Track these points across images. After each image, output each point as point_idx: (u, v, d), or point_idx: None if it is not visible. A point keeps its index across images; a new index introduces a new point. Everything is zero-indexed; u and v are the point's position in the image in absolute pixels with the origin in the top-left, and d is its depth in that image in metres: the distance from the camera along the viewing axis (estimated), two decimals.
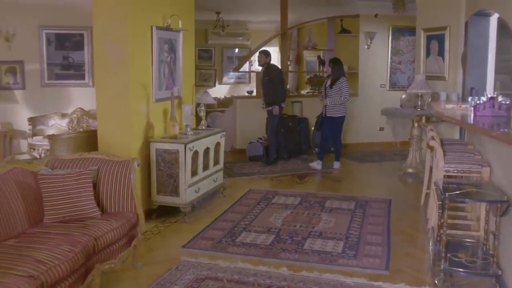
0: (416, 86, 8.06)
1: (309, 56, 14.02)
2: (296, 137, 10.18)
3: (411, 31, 10.30)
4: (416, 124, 8.33)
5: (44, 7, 9.12)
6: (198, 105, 7.06)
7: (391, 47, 11.62)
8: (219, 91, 14.80)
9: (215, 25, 13.32)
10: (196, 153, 6.21)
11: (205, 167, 6.59)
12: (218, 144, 6.94)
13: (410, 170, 8.52)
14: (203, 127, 6.87)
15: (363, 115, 11.27)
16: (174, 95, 6.36)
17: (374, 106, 10.82)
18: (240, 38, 15.03)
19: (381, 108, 9.20)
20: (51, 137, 6.68)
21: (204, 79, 14.74)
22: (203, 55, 14.84)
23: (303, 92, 12.58)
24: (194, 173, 6.23)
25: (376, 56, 11.48)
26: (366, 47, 11.39)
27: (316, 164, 9.01)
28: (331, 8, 11.66)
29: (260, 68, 9.79)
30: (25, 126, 9.13)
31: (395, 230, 5.75)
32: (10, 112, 9.36)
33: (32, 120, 9.10)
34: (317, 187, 7.85)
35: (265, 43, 11.18)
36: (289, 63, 12.03)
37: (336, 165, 9.11)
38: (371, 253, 5.04)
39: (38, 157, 8.09)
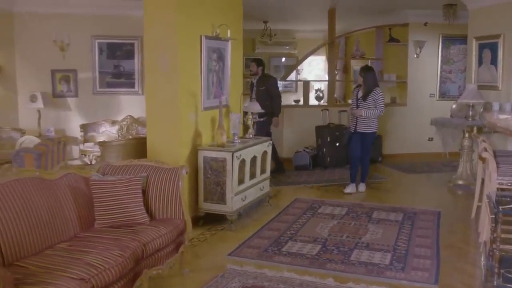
0: (468, 95, 7.87)
1: (357, 65, 13.87)
2: (343, 147, 10.10)
3: (463, 39, 10.10)
4: (467, 135, 8.14)
5: (97, 18, 9.40)
6: (245, 113, 7.11)
7: (441, 56, 11.39)
8: None
9: (262, 34, 13.40)
10: (243, 161, 6.24)
11: (252, 175, 6.62)
12: (265, 152, 6.96)
13: (460, 182, 8.31)
14: (250, 136, 6.90)
15: (411, 125, 11.10)
16: (222, 103, 6.42)
17: (423, 116, 10.62)
18: (287, 47, 15.06)
19: (430, 118, 9.02)
20: (102, 144, 6.84)
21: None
22: (251, 64, 14.93)
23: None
24: (241, 181, 6.26)
25: (425, 65, 11.29)
26: (415, 56, 11.21)
27: (351, 188, 8.03)
28: (379, 17, 11.55)
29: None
30: (77, 133, 9.40)
31: (444, 244, 5.61)
32: (63, 119, 9.66)
33: (83, 127, 9.35)
34: (364, 198, 7.75)
35: (312, 52, 11.18)
36: (336, 72, 11.96)
37: (362, 187, 8.10)
38: (419, 267, 4.94)
39: (89, 163, 8.30)
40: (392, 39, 11.82)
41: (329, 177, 9.23)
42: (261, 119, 8.52)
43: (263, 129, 8.55)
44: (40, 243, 3.82)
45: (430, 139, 10.84)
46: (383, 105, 7.69)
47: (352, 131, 7.90)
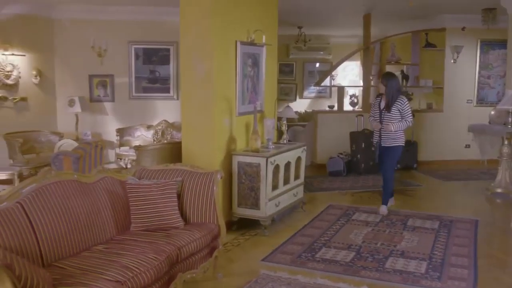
0: (507, 101, 7.69)
1: (392, 71, 13.73)
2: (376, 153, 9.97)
3: (502, 44, 9.90)
4: (506, 142, 7.95)
5: (133, 24, 9.56)
6: (279, 119, 7.10)
7: (480, 61, 11.18)
8: (300, 105, 14.80)
9: (296, 39, 13.37)
10: (277, 167, 6.24)
11: (286, 181, 6.60)
12: (299, 158, 6.94)
13: (499, 190, 8.12)
14: (285, 141, 6.89)
15: (448, 131, 10.92)
16: (257, 109, 6.43)
17: (460, 122, 10.46)
18: (321, 53, 14.99)
19: (467, 125, 8.85)
20: (137, 148, 6.92)
21: (285, 93, 14.82)
22: (285, 69, 14.93)
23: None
24: (275, 187, 6.25)
25: (463, 70, 11.09)
26: (452, 61, 11.03)
27: (383, 210, 7.08)
28: (416, 22, 11.41)
29: None
30: (113, 137, 9.55)
31: (482, 253, 5.49)
32: (100, 123, 9.84)
33: (119, 131, 9.49)
34: (399, 205, 7.64)
35: (347, 57, 11.11)
36: (371, 78, 11.85)
37: (383, 210, 7.05)
38: (456, 276, 4.84)
39: (124, 166, 8.41)
40: (428, 44, 11.64)
41: (363, 184, 9.14)
42: None
43: None
44: (78, 245, 3.89)
45: (467, 146, 10.65)
46: (411, 115, 6.88)
47: (375, 143, 7.10)
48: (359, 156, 9.89)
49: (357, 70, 15.02)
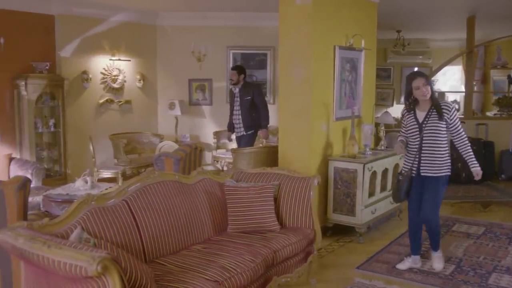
0: None
1: (497, 76, 13.08)
2: (480, 162, 9.48)
3: None
4: None
5: (232, 29, 9.77)
6: (377, 124, 6.96)
7: None
8: (397, 111, 14.42)
9: (395, 43, 13.07)
10: (374, 173, 6.12)
11: (383, 188, 6.45)
12: (397, 165, 6.76)
13: None
14: (382, 148, 6.74)
15: None
16: (355, 114, 6.34)
17: None
18: (421, 57, 14.55)
19: None
20: (234, 151, 7.05)
21: (382, 99, 14.52)
22: (382, 74, 14.62)
23: (489, 114, 11.75)
24: (371, 193, 6.13)
25: None
26: None
27: (405, 263, 5.24)
28: None
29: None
30: (210, 139, 9.79)
31: None
32: (198, 126, 10.13)
33: (216, 134, 9.71)
34: (504, 217, 7.22)
35: (448, 61, 10.71)
36: (474, 83, 11.35)
37: (437, 262, 5.18)
38: None
39: (221, 169, 8.60)
40: None
41: (464, 194, 8.73)
42: (249, 133, 7.86)
43: (249, 144, 7.84)
44: (177, 243, 4.02)
45: None
46: (462, 128, 4.98)
47: (413, 175, 5.00)
48: (459, 165, 9.43)
49: (459, 75, 14.45)
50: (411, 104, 4.97)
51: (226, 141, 9.60)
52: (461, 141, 4.94)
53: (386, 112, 7.31)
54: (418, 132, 4.90)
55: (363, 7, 6.92)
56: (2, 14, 7.46)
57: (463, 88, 11.74)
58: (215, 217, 4.48)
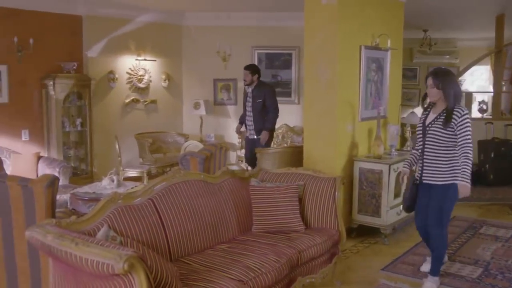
0: None
1: None
2: (508, 163, 9.36)
3: None
4: None
5: (257, 29, 9.77)
6: (403, 125, 6.90)
7: None
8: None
9: (421, 43, 12.93)
10: (400, 174, 6.05)
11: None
12: None
13: None
14: (408, 148, 6.67)
15: None
16: (380, 114, 6.29)
17: None
18: (447, 57, 14.34)
19: None
20: (258, 151, 7.05)
21: (407, 99, 14.36)
22: (408, 74, 14.46)
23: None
24: (396, 195, 6.07)
25: None
26: None
27: (427, 265, 5.05)
28: None
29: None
30: (235, 139, 9.81)
31: None
32: (223, 126, 10.16)
33: (241, 134, 9.72)
34: None
35: (476, 61, 10.55)
36: (503, 83, 11.15)
37: (429, 285, 4.66)
38: None
39: (245, 168, 8.60)
40: None
41: (492, 196, 8.60)
42: (259, 137, 7.51)
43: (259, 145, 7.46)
44: (202, 243, 4.04)
45: None
46: (469, 139, 4.36)
47: (416, 181, 4.75)
48: (487, 166, 9.32)
49: (487, 75, 14.22)
50: (427, 103, 4.76)
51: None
52: (462, 151, 4.39)
53: (412, 112, 7.24)
54: (422, 136, 4.64)
55: (390, 7, 6.87)
56: (31, 16, 7.59)
57: (491, 88, 11.55)
58: (239, 216, 4.48)
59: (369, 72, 6.37)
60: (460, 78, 11.78)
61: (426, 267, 5.07)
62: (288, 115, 9.77)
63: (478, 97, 11.91)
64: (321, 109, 5.99)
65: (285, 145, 8.45)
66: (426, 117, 4.66)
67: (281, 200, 4.47)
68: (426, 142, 4.56)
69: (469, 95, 11.09)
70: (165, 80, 9.72)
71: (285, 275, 3.85)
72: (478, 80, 14.33)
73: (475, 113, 11.17)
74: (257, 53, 9.99)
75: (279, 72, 10.00)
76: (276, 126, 9.62)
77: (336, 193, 4.62)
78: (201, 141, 9.03)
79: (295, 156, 6.56)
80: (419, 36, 12.67)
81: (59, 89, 7.72)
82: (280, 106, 9.92)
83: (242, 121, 7.99)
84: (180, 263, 3.68)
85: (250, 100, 7.60)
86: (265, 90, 7.57)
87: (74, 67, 7.99)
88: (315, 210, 4.66)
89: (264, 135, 7.45)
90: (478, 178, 9.34)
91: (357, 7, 6.14)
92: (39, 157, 6.93)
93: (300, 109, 9.23)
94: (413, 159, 4.78)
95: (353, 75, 6.16)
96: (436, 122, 4.50)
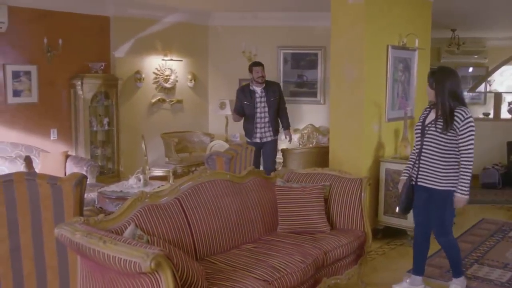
0: None
1: None
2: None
3: None
4: None
5: (282, 29, 9.75)
6: None
7: None
8: None
9: (449, 43, 12.75)
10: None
11: None
12: None
13: None
14: None
15: None
16: (407, 115, 6.23)
17: None
18: (476, 56, 14.12)
19: None
20: (285, 151, 7.04)
21: None
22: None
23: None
24: None
25: None
26: None
27: (402, 284, 4.69)
28: None
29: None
30: None
31: None
32: None
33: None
34: None
35: (506, 61, 10.37)
36: None
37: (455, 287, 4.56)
38: None
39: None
40: None
41: None
42: (276, 137, 7.17)
43: (276, 150, 7.20)
44: (228, 242, 4.05)
45: None
46: (470, 145, 4.17)
47: (414, 183, 4.47)
48: None
49: None
50: (432, 105, 4.41)
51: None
52: (462, 159, 4.18)
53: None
54: (420, 136, 4.38)
55: (417, 6, 6.79)
56: (60, 16, 7.70)
57: None
58: (265, 216, 4.48)
59: (396, 72, 6.31)
60: (489, 79, 11.58)
61: (400, 286, 4.67)
62: (313, 115, 9.75)
63: (507, 98, 11.70)
64: (348, 109, 5.96)
65: (311, 145, 8.42)
66: (426, 117, 4.40)
67: (306, 201, 4.46)
68: (424, 143, 4.31)
69: (498, 96, 10.90)
70: (191, 80, 9.77)
71: (310, 276, 3.84)
72: (508, 81, 14.07)
73: (505, 114, 10.99)
74: (282, 53, 9.97)
75: (304, 72, 9.97)
76: (302, 126, 9.66)
77: (362, 194, 4.59)
78: (226, 141, 9.04)
79: (321, 156, 6.54)
80: (447, 36, 12.49)
81: (87, 89, 7.81)
82: (305, 106, 9.96)
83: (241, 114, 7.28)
84: (205, 262, 3.70)
85: (264, 99, 7.01)
86: (276, 86, 7.22)
87: (102, 67, 8.08)
88: (341, 211, 4.64)
89: (289, 133, 7.25)
90: (506, 180, 9.19)
91: (384, 6, 6.08)
92: (67, 156, 7.03)
93: (326, 109, 9.19)
94: (413, 163, 4.50)
95: (380, 75, 6.11)
96: (436, 123, 4.24)
